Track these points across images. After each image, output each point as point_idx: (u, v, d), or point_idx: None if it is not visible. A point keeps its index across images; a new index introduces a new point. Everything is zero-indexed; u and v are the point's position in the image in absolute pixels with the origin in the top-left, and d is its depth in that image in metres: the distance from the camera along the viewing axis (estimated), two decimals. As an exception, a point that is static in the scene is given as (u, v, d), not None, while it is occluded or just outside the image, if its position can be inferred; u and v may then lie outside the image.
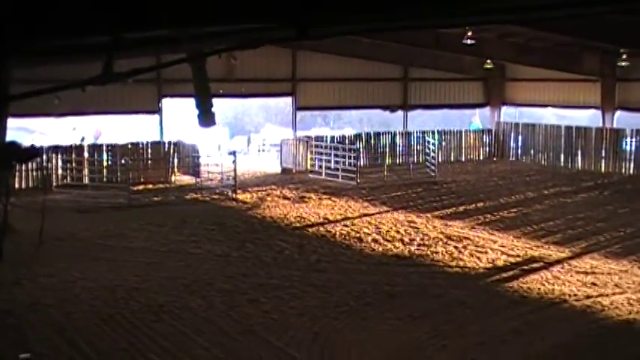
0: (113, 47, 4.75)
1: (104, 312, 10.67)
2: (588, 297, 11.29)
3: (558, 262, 13.36)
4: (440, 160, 25.73)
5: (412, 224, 16.58)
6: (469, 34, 20.56)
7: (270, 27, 4.85)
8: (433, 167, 23.74)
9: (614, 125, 25.88)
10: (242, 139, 33.10)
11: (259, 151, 28.58)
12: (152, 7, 3.95)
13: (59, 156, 21.94)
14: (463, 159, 28.68)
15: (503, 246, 14.53)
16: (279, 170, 25.37)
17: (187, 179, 22.89)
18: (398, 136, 27.80)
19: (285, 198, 20.19)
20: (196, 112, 8.48)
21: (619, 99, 25.78)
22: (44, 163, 21.58)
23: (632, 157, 24.73)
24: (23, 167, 21.10)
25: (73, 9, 3.97)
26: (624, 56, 23.13)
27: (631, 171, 24.66)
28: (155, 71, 23.88)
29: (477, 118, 31.36)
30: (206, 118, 8.24)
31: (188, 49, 7.51)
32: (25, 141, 20.83)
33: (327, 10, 3.84)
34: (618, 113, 26.06)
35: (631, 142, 24.78)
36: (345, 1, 3.69)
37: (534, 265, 13.13)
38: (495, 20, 8.23)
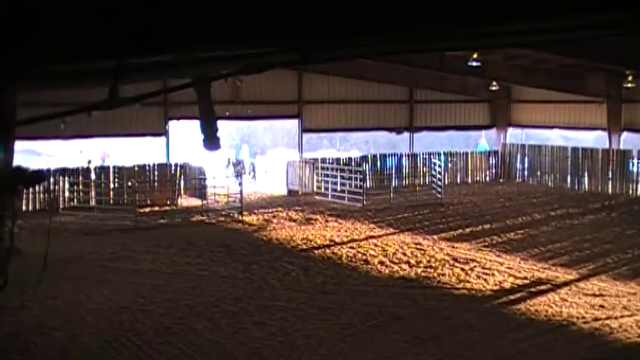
0: (118, 72, 4.79)
1: (109, 334, 10.64)
2: (596, 319, 11.21)
3: (566, 284, 13.28)
4: (446, 181, 25.71)
5: (419, 246, 16.54)
6: (474, 56, 20.61)
7: (274, 51, 4.89)
8: (439, 189, 23.71)
9: (621, 146, 25.85)
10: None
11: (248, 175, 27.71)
12: (155, 32, 3.99)
13: (66, 178, 22.01)
14: (469, 181, 28.64)
15: (510, 268, 14.47)
16: (285, 192, 25.38)
17: (194, 201, 22.92)
18: (404, 158, 27.81)
19: (292, 220, 20.18)
20: (201, 135, 8.53)
21: (625, 120, 25.77)
22: (51, 186, 21.66)
23: (639, 178, 24.66)
24: (30, 189, 21.16)
25: (77, 34, 4.01)
26: (630, 77, 23.17)
27: (638, 192, 24.56)
28: (162, 95, 24.07)
29: (484, 140, 31.37)
30: (211, 141, 8.28)
31: (193, 73, 7.55)
32: (33, 164, 20.95)
33: (330, 34, 3.87)
34: (625, 134, 26.05)
35: (638, 163, 24.73)
36: (348, 26, 3.72)
37: (541, 287, 13.06)
38: (496, 44, 8.27)
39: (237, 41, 4.08)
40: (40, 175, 8.35)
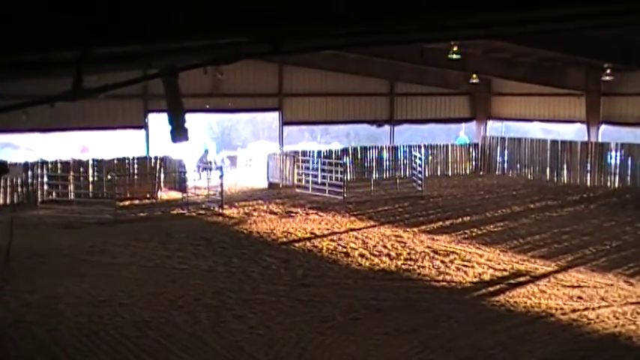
0: (82, 62, 4.71)
1: (88, 328, 10.57)
2: (574, 311, 11.31)
3: (544, 275, 13.38)
4: (426, 174, 25.79)
5: (399, 239, 16.58)
6: (454, 49, 20.65)
7: (243, 42, 4.84)
8: (420, 182, 23.77)
9: (599, 139, 26.08)
10: (229, 153, 32.96)
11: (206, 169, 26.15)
12: (122, 21, 3.92)
13: (45, 171, 21.80)
14: (450, 173, 28.74)
15: (489, 260, 14.54)
16: (266, 185, 25.33)
17: (174, 194, 22.81)
18: (385, 151, 27.85)
19: (272, 213, 20.14)
20: (169, 127, 8.48)
21: (603, 113, 26.00)
22: (29, 179, 21.49)
23: (617, 170, 24.90)
24: (7, 183, 20.98)
25: (40, 23, 3.94)
26: (608, 71, 23.36)
27: (616, 184, 24.81)
28: (142, 87, 23.90)
29: (464, 133, 31.50)
30: (179, 133, 8.23)
31: (160, 64, 7.48)
32: (10, 157, 20.63)
33: (301, 24, 3.84)
34: (603, 127, 26.29)
35: (616, 155, 24.97)
36: (318, 16, 3.69)
37: (521, 279, 13.15)
38: (471, 35, 8.27)
39: (206, 32, 4.03)
40: (2, 167, 8.25)
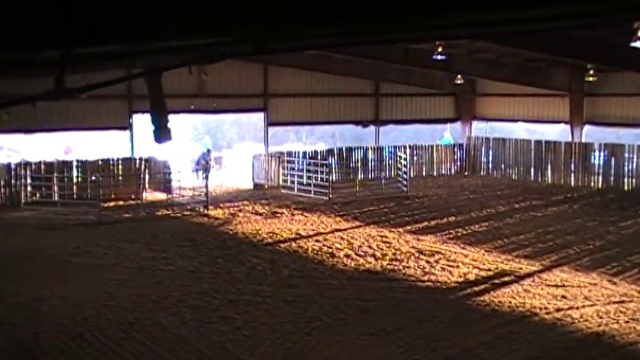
0: (64, 62, 4.68)
1: (73, 330, 10.51)
2: (558, 310, 11.38)
3: (529, 275, 13.45)
4: (411, 174, 25.86)
5: (384, 239, 16.60)
6: (439, 49, 20.69)
7: (225, 42, 4.83)
8: (405, 182, 23.83)
9: (583, 139, 26.25)
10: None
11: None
12: (104, 21, 3.90)
13: (28, 173, 21.65)
14: (435, 174, 28.83)
15: (474, 260, 14.60)
16: (251, 186, 25.29)
17: (159, 195, 22.71)
18: (370, 151, 27.89)
19: (257, 214, 20.12)
20: (152, 127, 8.45)
21: (587, 114, 26.18)
22: (12, 181, 21.35)
23: (601, 170, 25.07)
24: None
25: (21, 21, 3.91)
26: (592, 72, 23.51)
27: (599, 184, 24.98)
28: (126, 87, 23.79)
29: (448, 133, 31.60)
30: (162, 133, 8.21)
31: (143, 64, 7.47)
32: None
33: (283, 24, 3.83)
34: (587, 128, 26.47)
35: (599, 156, 25.14)
36: (300, 16, 3.69)
37: (505, 279, 13.21)
38: (457, 35, 8.29)
39: (189, 31, 4.02)
40: None
